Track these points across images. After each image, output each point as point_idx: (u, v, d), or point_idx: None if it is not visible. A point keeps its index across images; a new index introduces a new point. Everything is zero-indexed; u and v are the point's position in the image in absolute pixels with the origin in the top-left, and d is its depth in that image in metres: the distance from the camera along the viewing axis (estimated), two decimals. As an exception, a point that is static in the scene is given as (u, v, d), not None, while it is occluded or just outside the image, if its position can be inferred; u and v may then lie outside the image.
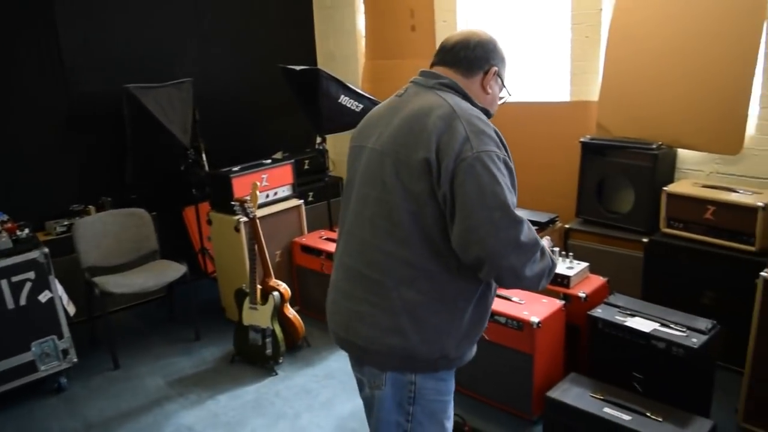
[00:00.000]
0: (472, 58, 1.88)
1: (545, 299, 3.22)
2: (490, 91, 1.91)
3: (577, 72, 4.17)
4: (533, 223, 3.93)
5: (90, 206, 4.40)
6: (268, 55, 5.32)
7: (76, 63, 4.38)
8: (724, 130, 3.56)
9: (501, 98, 2.00)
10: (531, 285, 1.74)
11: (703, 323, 2.86)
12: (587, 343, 3.12)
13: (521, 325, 3.04)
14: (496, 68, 1.91)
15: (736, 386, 3.20)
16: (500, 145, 1.73)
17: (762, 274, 2.77)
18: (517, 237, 1.64)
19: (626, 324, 2.93)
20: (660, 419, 2.67)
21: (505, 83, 1.96)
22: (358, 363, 1.93)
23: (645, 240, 3.63)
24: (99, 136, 4.53)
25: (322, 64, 5.70)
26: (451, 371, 1.91)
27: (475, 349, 1.94)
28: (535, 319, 2.99)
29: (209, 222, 4.24)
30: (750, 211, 3.19)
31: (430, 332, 1.77)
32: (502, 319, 3.11)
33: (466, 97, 1.84)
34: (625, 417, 2.71)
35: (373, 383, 1.88)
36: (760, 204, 3.16)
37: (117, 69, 4.51)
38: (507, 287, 1.76)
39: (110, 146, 4.54)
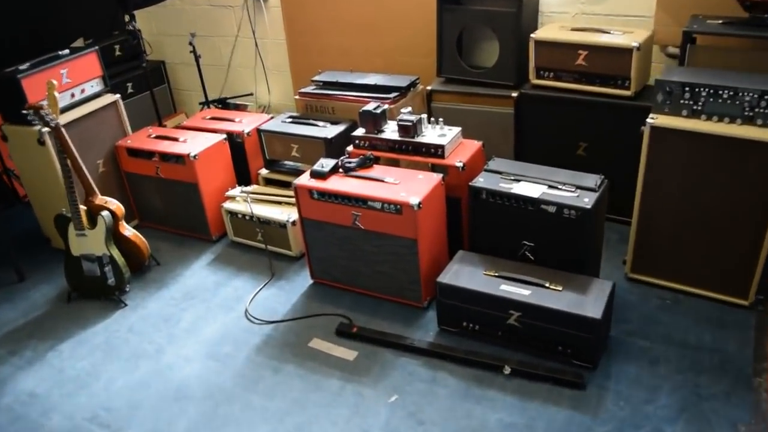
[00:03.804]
0: None
1: (421, 175, 2.89)
2: None
3: None
4: (391, 89, 3.54)
5: None
6: None
7: None
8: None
9: None
10: None
11: (592, 180, 2.67)
12: (470, 217, 2.86)
13: (400, 208, 2.70)
14: None
15: (615, 237, 3.16)
16: None
17: (648, 121, 2.58)
18: None
19: (513, 191, 2.67)
20: (560, 288, 2.51)
21: None
22: None
23: (514, 94, 3.36)
24: None
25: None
26: None
27: None
28: (415, 200, 2.66)
29: (5, 138, 3.40)
30: (624, 52, 2.97)
31: None
32: (378, 205, 2.75)
33: None
34: (524, 292, 2.52)
35: None
36: (634, 44, 2.94)
37: None
38: None
39: None
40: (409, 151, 3.05)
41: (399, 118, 3.06)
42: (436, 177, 2.85)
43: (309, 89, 3.76)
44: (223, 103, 4.48)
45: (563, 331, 2.45)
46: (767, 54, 2.77)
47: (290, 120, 3.63)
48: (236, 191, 3.56)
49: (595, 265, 2.80)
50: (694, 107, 2.52)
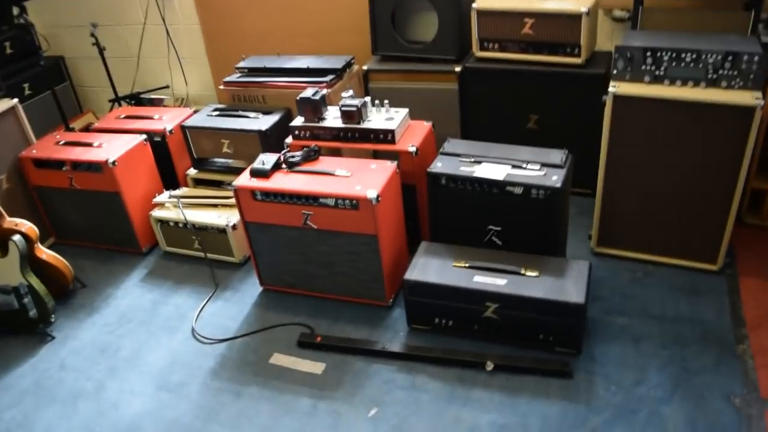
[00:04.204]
0: None
1: (374, 164, 2.67)
2: None
3: None
4: (326, 71, 3.28)
5: None
6: None
7: None
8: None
9: None
10: None
11: (557, 155, 2.52)
12: (430, 205, 2.67)
13: (356, 203, 2.48)
14: None
15: (574, 210, 3.06)
16: None
17: (610, 90, 2.45)
18: None
19: (475, 174, 2.50)
20: (536, 274, 2.37)
21: None
22: None
23: (457, 69, 3.18)
24: None
25: None
26: None
27: None
28: (372, 194, 2.44)
29: None
30: (573, 18, 2.83)
31: None
32: (331, 201, 2.52)
33: None
34: (500, 282, 2.36)
35: None
36: (584, 9, 2.80)
37: None
38: None
39: None
40: (356, 138, 2.83)
41: (341, 103, 2.82)
42: (391, 165, 2.64)
43: (234, 77, 3.44)
44: (137, 99, 4.08)
45: (545, 319, 2.31)
46: (716, 13, 2.71)
47: (217, 113, 3.31)
48: (164, 196, 3.23)
49: (563, 244, 2.68)
50: (657, 73, 2.42)
